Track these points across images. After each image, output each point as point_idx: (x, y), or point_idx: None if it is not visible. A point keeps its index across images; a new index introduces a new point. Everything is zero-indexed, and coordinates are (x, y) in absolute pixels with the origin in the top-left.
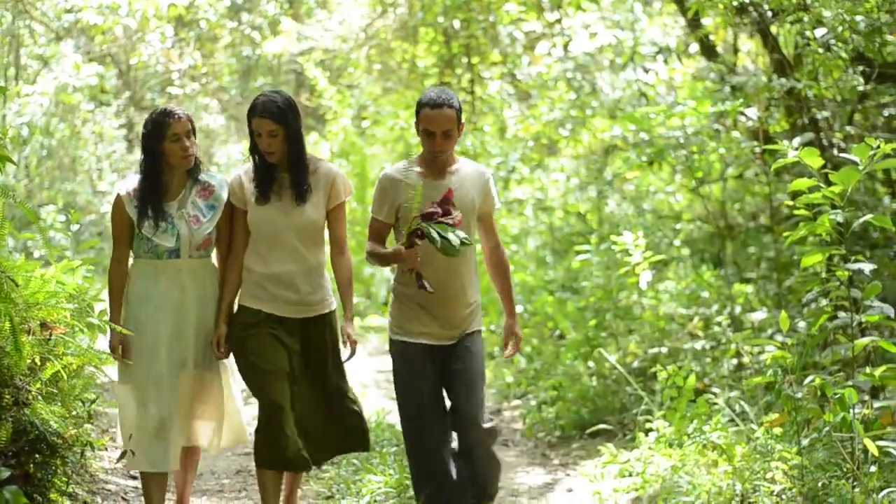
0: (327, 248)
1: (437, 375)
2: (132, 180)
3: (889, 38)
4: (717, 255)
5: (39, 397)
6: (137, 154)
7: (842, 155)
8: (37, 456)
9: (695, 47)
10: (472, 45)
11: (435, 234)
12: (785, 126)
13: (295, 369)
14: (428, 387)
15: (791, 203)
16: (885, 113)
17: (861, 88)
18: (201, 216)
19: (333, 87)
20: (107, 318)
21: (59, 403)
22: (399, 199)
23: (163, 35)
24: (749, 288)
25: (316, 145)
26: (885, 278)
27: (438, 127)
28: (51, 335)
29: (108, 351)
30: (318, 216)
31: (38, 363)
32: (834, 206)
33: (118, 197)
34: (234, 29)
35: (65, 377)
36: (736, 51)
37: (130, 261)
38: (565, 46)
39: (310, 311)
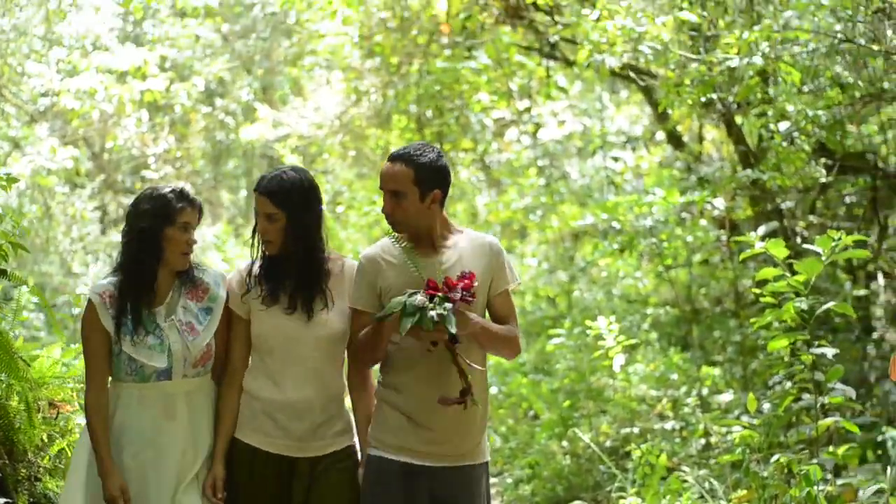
0: None
1: None
2: (106, 282)
3: (851, 128)
4: (683, 338)
5: (47, 472)
6: (113, 236)
7: (805, 245)
8: None
9: (661, 135)
10: (443, 133)
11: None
12: (749, 214)
13: None
14: None
15: (757, 290)
16: (847, 201)
17: (823, 179)
18: (196, 323)
19: None
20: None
21: (63, 479)
22: (380, 282)
23: (138, 120)
24: (716, 370)
25: None
26: (846, 361)
27: (384, 184)
28: (58, 413)
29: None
30: (343, 326)
31: (46, 440)
32: (798, 294)
33: (89, 304)
34: (208, 114)
35: (69, 454)
36: (701, 139)
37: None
38: (534, 134)
39: (326, 447)
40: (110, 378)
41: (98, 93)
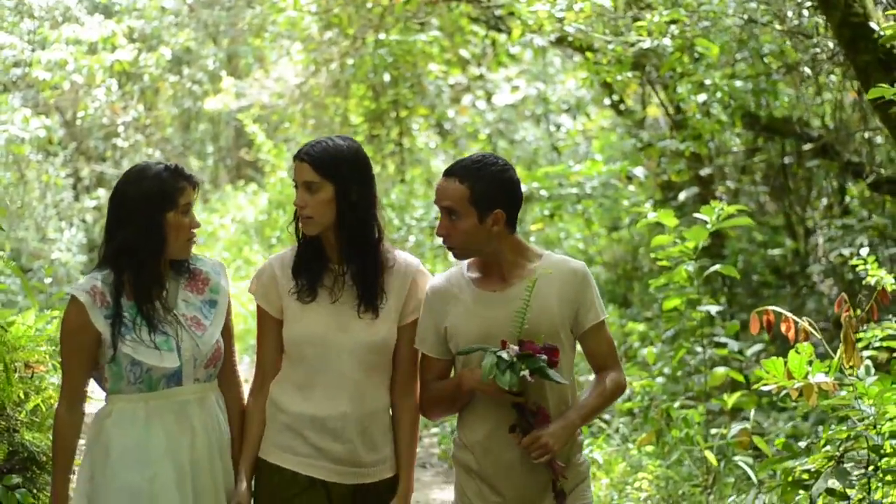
0: None
1: None
2: (91, 276)
3: (789, 91)
4: (623, 295)
5: (24, 425)
6: (86, 202)
7: (695, 215)
8: (27, 473)
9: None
10: (399, 100)
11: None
12: (686, 177)
13: None
14: None
15: (654, 255)
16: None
17: (735, 148)
18: (202, 317)
19: (271, 142)
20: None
21: (39, 431)
22: (446, 322)
23: (108, 89)
24: (641, 326)
25: (255, 195)
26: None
27: (438, 200)
28: (32, 373)
29: None
30: (390, 332)
31: (23, 396)
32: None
33: (74, 302)
34: (176, 82)
35: (44, 409)
36: (644, 105)
37: (89, 404)
38: (488, 99)
39: (368, 475)
40: (107, 393)
41: (69, 64)
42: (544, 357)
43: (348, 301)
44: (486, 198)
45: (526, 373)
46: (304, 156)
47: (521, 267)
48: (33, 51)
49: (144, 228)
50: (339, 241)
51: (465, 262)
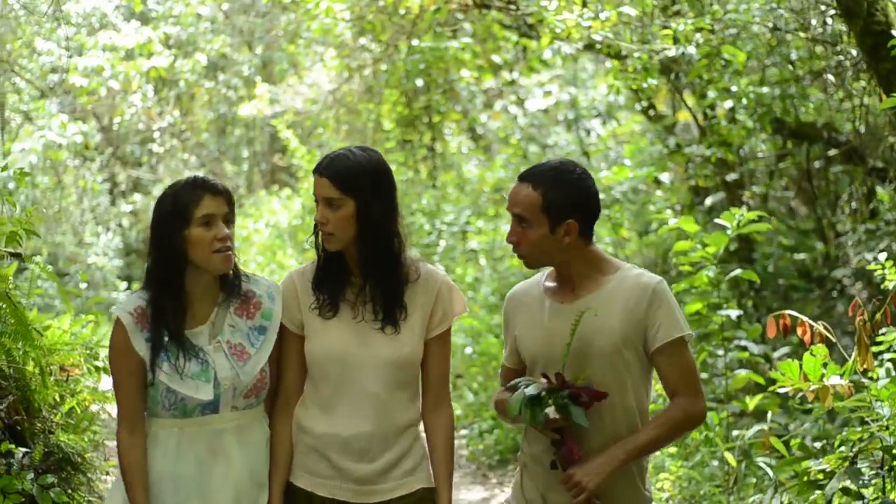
0: None
1: None
2: (136, 296)
3: (818, 96)
4: None
5: (59, 427)
6: (122, 207)
7: (716, 221)
8: (62, 473)
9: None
10: (432, 105)
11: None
12: (714, 182)
13: None
14: None
15: (677, 260)
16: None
17: (761, 154)
18: (248, 345)
19: (304, 147)
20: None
21: (74, 433)
22: (515, 330)
23: (144, 95)
24: None
25: (289, 200)
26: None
27: (509, 206)
28: (68, 376)
29: None
30: (415, 348)
31: (59, 399)
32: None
33: (118, 325)
34: (211, 88)
35: (79, 412)
36: (675, 110)
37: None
38: (521, 104)
39: (392, 490)
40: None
41: (105, 70)
42: (566, 392)
43: (370, 316)
44: (559, 206)
45: (551, 409)
46: (323, 170)
47: (592, 280)
48: (70, 57)
49: (164, 250)
50: (360, 254)
51: (547, 269)
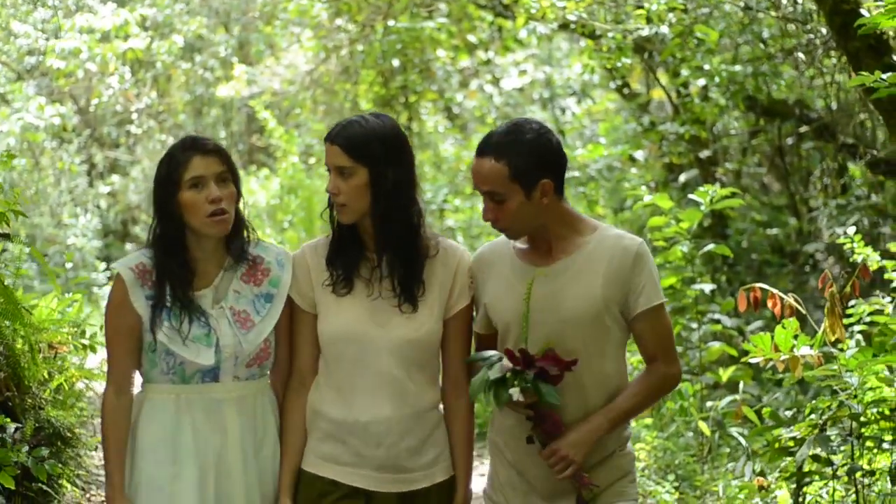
0: None
1: None
2: (139, 253)
3: (790, 73)
4: None
5: (49, 403)
6: (100, 188)
7: (690, 196)
8: (52, 448)
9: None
10: (408, 85)
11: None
12: (688, 159)
13: None
14: None
15: (651, 235)
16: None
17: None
18: (253, 312)
19: (282, 127)
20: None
21: (62, 409)
22: (485, 296)
23: (121, 77)
24: None
25: (267, 180)
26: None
27: (477, 185)
28: (55, 354)
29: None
30: (433, 327)
31: (47, 376)
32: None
33: (117, 279)
34: (188, 69)
35: (66, 388)
36: (649, 88)
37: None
38: (496, 83)
39: (415, 481)
40: (141, 380)
41: (82, 52)
42: (530, 373)
43: (386, 293)
44: (528, 171)
45: (515, 391)
46: (334, 138)
47: (569, 241)
48: (47, 40)
49: (162, 215)
50: (375, 227)
51: None
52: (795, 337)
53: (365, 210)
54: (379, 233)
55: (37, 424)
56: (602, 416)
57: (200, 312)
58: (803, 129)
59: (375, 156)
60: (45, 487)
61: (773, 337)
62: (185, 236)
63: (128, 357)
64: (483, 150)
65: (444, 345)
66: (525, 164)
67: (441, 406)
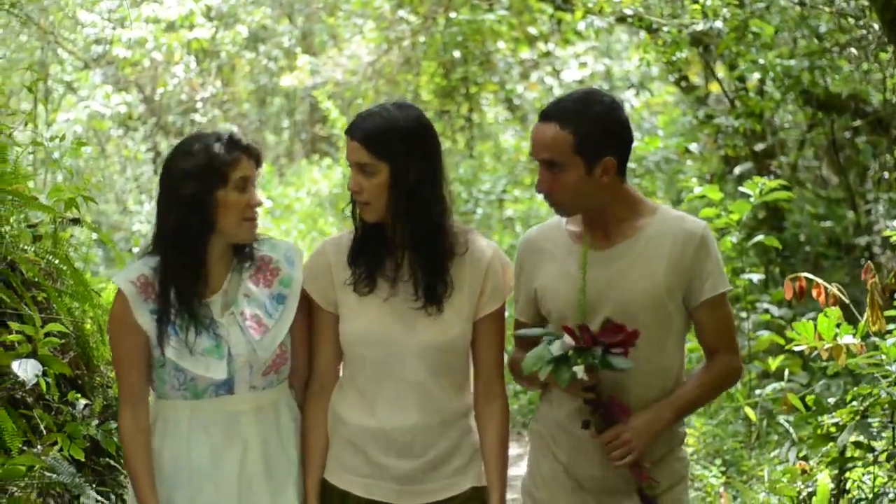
0: None
1: None
2: (140, 264)
3: (846, 67)
4: None
5: (115, 382)
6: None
7: (740, 189)
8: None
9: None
10: (469, 77)
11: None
12: (744, 152)
13: None
14: None
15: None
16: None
17: (787, 125)
18: (265, 316)
19: (344, 117)
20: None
21: None
22: (535, 281)
23: (186, 66)
24: None
25: (329, 170)
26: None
27: (535, 151)
28: None
29: None
30: (461, 329)
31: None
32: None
33: (118, 294)
34: (252, 59)
35: None
36: (707, 81)
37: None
38: (556, 75)
39: (438, 491)
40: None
41: (148, 42)
42: (598, 350)
43: (410, 294)
44: (594, 144)
45: (580, 369)
46: (353, 132)
47: (629, 223)
48: (114, 29)
49: (190, 209)
50: (396, 226)
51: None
52: (838, 325)
53: (389, 207)
54: (401, 230)
55: (105, 402)
56: (666, 406)
57: (209, 321)
58: (858, 122)
59: (397, 152)
60: (112, 463)
61: (815, 325)
62: (209, 237)
63: (138, 375)
64: (548, 114)
65: (474, 347)
66: (591, 135)
67: (472, 413)
